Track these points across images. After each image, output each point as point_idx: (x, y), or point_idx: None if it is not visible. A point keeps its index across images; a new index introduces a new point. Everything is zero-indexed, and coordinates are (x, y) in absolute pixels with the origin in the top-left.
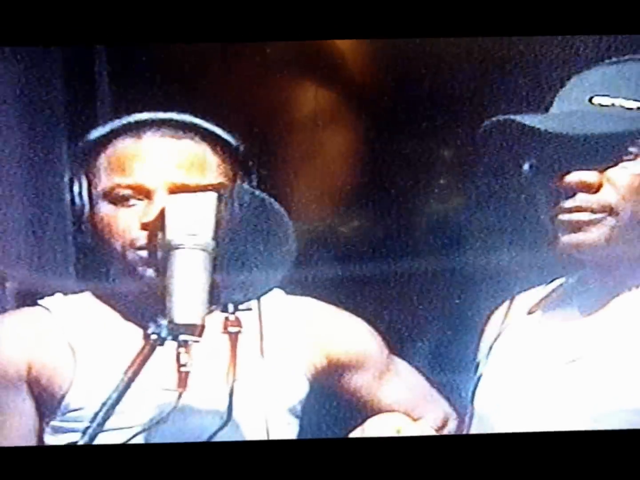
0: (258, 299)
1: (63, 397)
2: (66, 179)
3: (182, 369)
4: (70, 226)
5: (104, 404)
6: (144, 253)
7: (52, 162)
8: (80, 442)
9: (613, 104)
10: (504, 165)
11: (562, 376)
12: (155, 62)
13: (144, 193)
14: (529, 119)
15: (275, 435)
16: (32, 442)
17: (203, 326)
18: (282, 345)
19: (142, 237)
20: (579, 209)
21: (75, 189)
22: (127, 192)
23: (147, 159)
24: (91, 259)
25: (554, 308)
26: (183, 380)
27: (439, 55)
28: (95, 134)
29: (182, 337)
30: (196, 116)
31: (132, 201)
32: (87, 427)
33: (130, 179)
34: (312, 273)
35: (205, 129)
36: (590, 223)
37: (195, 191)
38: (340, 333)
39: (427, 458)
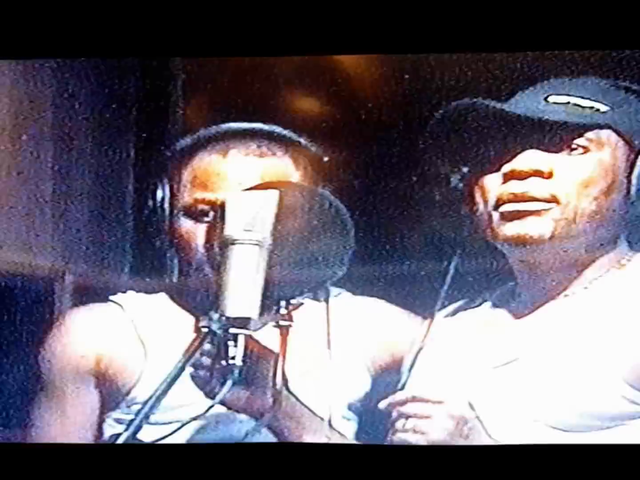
0: (313, 294)
1: (130, 390)
2: (131, 181)
3: (231, 361)
4: (131, 224)
5: (151, 396)
6: (206, 250)
7: (119, 164)
8: (125, 435)
9: (568, 102)
10: (450, 161)
11: (494, 379)
12: (229, 73)
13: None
14: (488, 102)
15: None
16: (90, 431)
17: (254, 320)
18: (346, 342)
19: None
20: (528, 195)
21: (159, 194)
22: (207, 207)
23: (231, 176)
24: (152, 256)
25: (481, 316)
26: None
27: (444, 71)
28: (182, 143)
29: (232, 331)
30: (281, 127)
31: (210, 216)
32: (133, 419)
33: (211, 195)
34: (371, 271)
35: (290, 140)
36: (535, 213)
37: (258, 189)
38: (404, 332)
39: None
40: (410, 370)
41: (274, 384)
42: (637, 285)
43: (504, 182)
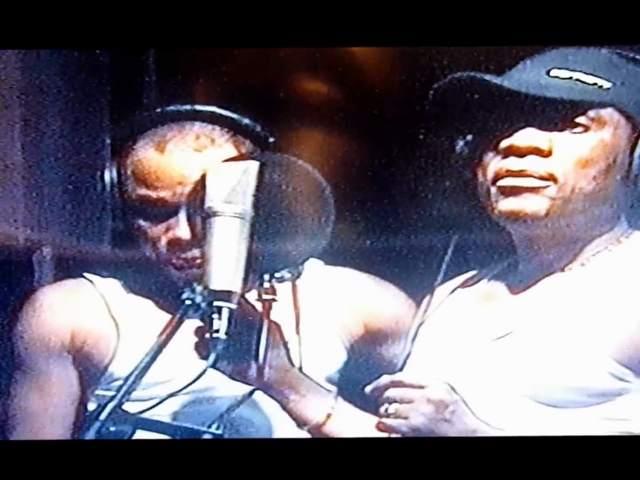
0: (295, 268)
1: (107, 366)
2: (107, 151)
3: (215, 334)
4: (108, 197)
5: (135, 368)
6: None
7: (93, 141)
8: (110, 405)
9: (570, 77)
10: (441, 134)
11: (490, 352)
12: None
13: (168, 208)
14: (487, 76)
15: None
16: (71, 408)
17: (238, 293)
18: (320, 314)
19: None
20: (524, 173)
21: (107, 180)
22: (152, 206)
23: (169, 175)
24: (128, 232)
25: (480, 291)
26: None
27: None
28: (121, 130)
29: (216, 303)
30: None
31: (157, 214)
32: (117, 392)
33: (153, 194)
34: (348, 244)
35: (231, 120)
36: (532, 190)
37: (237, 160)
38: (377, 302)
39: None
40: (412, 344)
41: (257, 357)
42: (632, 261)
43: (503, 157)
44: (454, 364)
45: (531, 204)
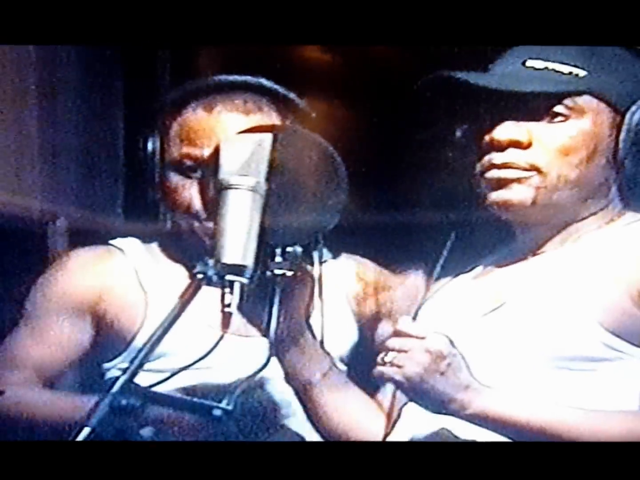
0: (308, 243)
1: (134, 337)
2: (121, 128)
3: (226, 309)
4: (123, 172)
5: (147, 341)
6: (194, 206)
7: (107, 112)
8: (121, 379)
9: (546, 68)
10: (438, 121)
11: (485, 324)
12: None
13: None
14: (465, 75)
15: None
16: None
17: (250, 267)
18: (333, 294)
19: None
20: (507, 165)
21: (149, 147)
22: (194, 163)
23: (216, 133)
24: (145, 204)
25: (478, 270)
26: (226, 320)
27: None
28: (170, 96)
29: (228, 277)
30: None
31: (198, 172)
32: (129, 365)
33: (198, 151)
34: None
35: (277, 93)
36: (516, 181)
37: (252, 132)
38: (381, 281)
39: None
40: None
41: (268, 334)
42: (624, 238)
43: (486, 151)
44: (451, 337)
45: (517, 194)
